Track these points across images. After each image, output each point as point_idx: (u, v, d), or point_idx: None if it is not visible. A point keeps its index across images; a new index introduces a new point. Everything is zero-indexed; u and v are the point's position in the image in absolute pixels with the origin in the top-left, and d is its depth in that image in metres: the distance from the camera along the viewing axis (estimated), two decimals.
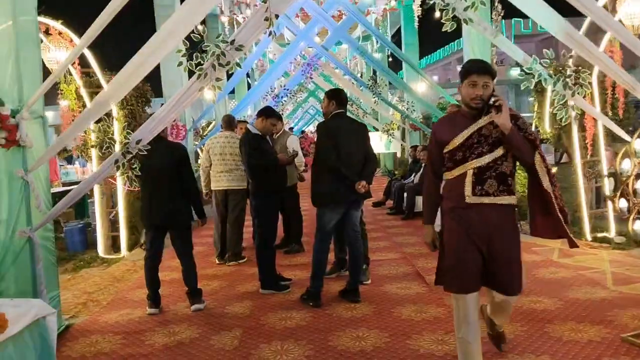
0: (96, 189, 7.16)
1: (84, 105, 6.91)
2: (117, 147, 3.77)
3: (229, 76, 13.19)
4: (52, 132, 10.16)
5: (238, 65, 3.81)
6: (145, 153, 3.74)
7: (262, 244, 4.96)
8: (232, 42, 3.59)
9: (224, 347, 3.76)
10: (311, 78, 9.01)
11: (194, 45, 3.63)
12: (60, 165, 15.61)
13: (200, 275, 5.72)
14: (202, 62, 3.61)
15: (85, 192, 3.94)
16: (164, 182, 4.40)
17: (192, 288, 4.65)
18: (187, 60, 3.59)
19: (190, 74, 3.66)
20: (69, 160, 13.77)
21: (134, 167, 3.75)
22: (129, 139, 3.73)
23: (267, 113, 4.99)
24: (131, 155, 3.72)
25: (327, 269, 4.88)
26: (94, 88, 7.10)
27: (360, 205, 4.68)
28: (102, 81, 6.90)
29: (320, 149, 4.43)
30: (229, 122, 6.32)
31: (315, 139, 4.58)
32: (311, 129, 32.16)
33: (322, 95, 18.26)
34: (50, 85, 3.69)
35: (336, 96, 4.57)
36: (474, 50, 8.19)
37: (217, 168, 6.19)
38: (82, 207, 9.45)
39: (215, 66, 3.61)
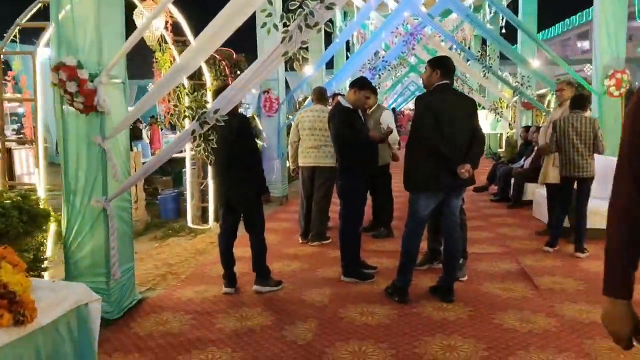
0: (188, 159, 7.13)
1: None
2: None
3: (326, 47, 12.79)
4: None
5: (328, 27, 3.32)
6: (223, 124, 3.42)
7: (346, 227, 4.54)
8: None
9: (295, 340, 3.42)
10: (414, 49, 8.30)
11: (284, 4, 3.23)
12: (165, 135, 16.37)
13: (280, 255, 5.50)
14: (287, 22, 3.19)
15: (162, 163, 3.74)
16: (225, 155, 4.10)
17: (256, 268, 4.38)
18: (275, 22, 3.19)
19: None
20: (173, 128, 14.27)
21: (210, 138, 3.46)
22: (206, 108, 3.43)
23: (361, 84, 4.48)
24: (208, 126, 3.42)
25: (417, 259, 4.36)
26: None
27: (462, 192, 4.09)
28: None
29: (418, 126, 3.86)
30: (321, 95, 5.90)
31: (414, 114, 3.99)
32: (410, 106, 30.96)
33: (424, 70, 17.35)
34: (130, 47, 3.46)
35: (441, 64, 3.95)
36: (607, 23, 7.06)
37: (306, 143, 5.83)
38: (179, 176, 9.65)
39: (302, 27, 3.16)
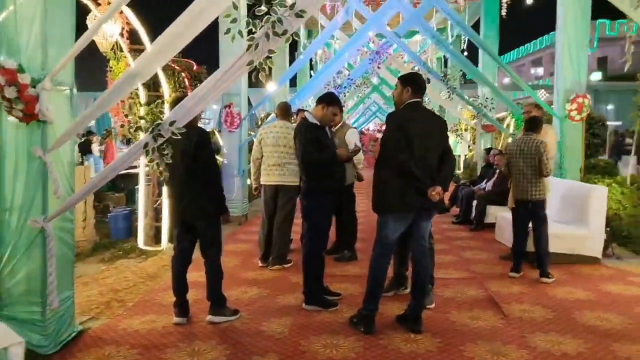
0: (142, 175, 6.72)
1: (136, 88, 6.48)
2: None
3: (290, 64, 12.66)
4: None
5: (296, 36, 3.10)
6: (179, 137, 3.12)
7: (310, 252, 4.27)
8: (292, 5, 2.90)
9: None
10: (379, 68, 8.22)
11: (249, 10, 2.99)
12: (119, 149, 15.71)
13: (238, 280, 5.17)
14: (254, 29, 2.95)
15: (108, 180, 3.39)
16: (182, 170, 3.80)
17: (211, 297, 4.05)
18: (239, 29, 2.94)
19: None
20: (129, 142, 13.73)
21: (165, 153, 3.15)
22: (161, 119, 3.12)
23: (329, 100, 4.27)
24: (163, 139, 3.12)
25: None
26: None
27: (432, 215, 3.90)
28: None
29: (388, 145, 3.67)
30: (285, 110, 5.66)
31: (383, 133, 3.80)
32: (371, 126, 31.14)
33: (387, 92, 17.38)
34: (78, 51, 3.13)
35: (412, 81, 3.79)
36: (569, 48, 7.18)
37: (269, 161, 5.56)
38: (132, 193, 9.16)
39: (269, 35, 2.93)
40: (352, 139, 5.67)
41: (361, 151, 4.89)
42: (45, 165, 3.22)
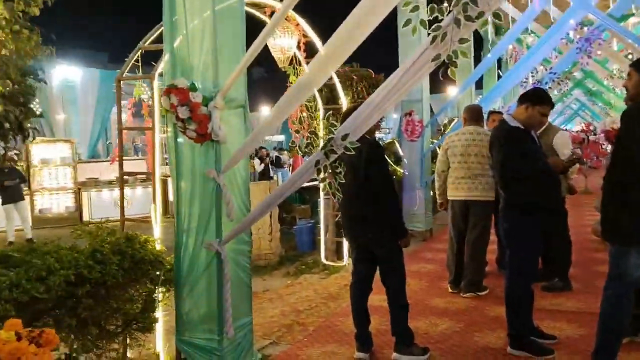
0: (322, 188, 6.56)
1: (315, 100, 6.37)
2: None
3: (475, 63, 11.63)
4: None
5: (498, 18, 2.43)
6: (353, 153, 2.69)
7: (514, 283, 3.48)
8: None
9: None
10: (590, 57, 6.87)
11: None
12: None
13: (425, 308, 4.57)
14: (439, 16, 2.39)
15: (280, 201, 3.11)
16: (353, 188, 3.35)
17: (396, 332, 3.50)
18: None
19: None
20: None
21: (338, 171, 2.74)
22: (333, 133, 2.73)
23: (537, 97, 3.44)
24: (336, 156, 2.72)
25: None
26: (327, 81, 6.51)
27: None
28: (333, 73, 6.24)
29: (632, 151, 2.74)
30: (475, 114, 4.89)
31: (620, 134, 2.84)
32: (571, 127, 27.65)
33: (592, 85, 15.05)
34: (248, 63, 2.91)
35: None
36: None
37: (457, 173, 4.86)
38: (316, 205, 9.23)
39: (459, 21, 2.33)
40: (562, 144, 4.66)
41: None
42: (219, 186, 3.07)
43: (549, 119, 4.53)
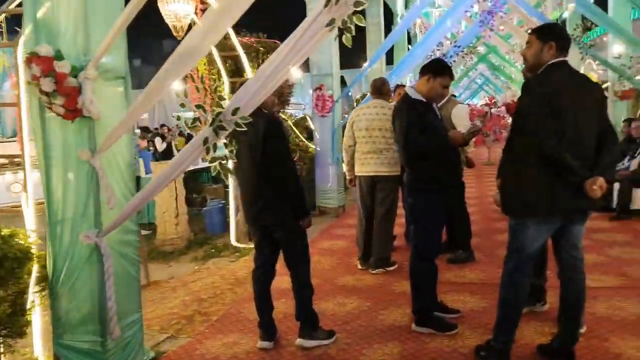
0: (212, 168, 6.26)
1: (218, 73, 5.98)
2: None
3: (385, 35, 11.65)
4: None
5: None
6: (245, 129, 2.44)
7: (419, 260, 3.44)
8: None
9: None
10: (492, 30, 7.01)
11: None
12: None
13: (334, 287, 4.47)
14: None
15: (165, 186, 2.80)
16: (250, 167, 3.13)
17: (300, 317, 3.35)
18: None
19: None
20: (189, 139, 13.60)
21: (230, 149, 2.49)
22: (222, 107, 2.45)
23: (437, 68, 3.35)
24: (226, 132, 2.45)
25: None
26: (228, 51, 6.13)
27: (588, 216, 2.89)
28: (237, 43, 5.88)
29: (529, 124, 2.70)
30: (380, 87, 4.78)
31: (520, 107, 2.80)
32: (475, 102, 28.89)
33: (495, 60, 15.69)
34: (124, 25, 2.52)
35: (556, 35, 2.76)
36: None
37: (363, 147, 4.76)
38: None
39: None
40: (460, 117, 4.68)
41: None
42: (95, 170, 2.70)
43: (456, 94, 4.53)
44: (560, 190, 2.64)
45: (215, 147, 2.46)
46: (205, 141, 2.47)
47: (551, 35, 2.75)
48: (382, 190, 4.74)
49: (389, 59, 15.24)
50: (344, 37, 2.27)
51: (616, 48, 8.95)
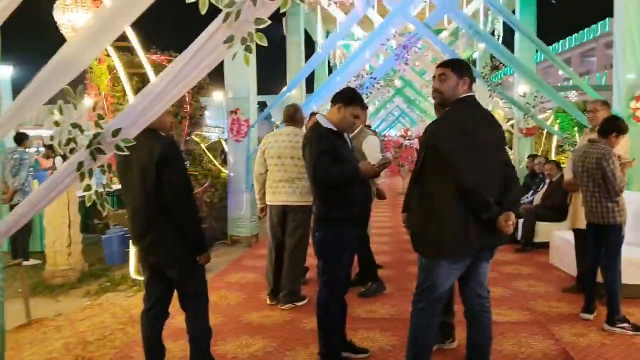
0: (86, 196, 5.78)
1: (123, 91, 5.57)
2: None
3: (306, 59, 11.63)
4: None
5: None
6: (127, 152, 2.13)
7: (326, 301, 3.22)
8: None
9: None
10: (406, 64, 7.15)
11: None
12: None
13: (240, 324, 4.15)
14: None
15: (32, 215, 2.41)
16: (140, 195, 2.80)
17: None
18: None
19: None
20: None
21: (105, 177, 2.16)
22: (102, 128, 2.14)
23: (348, 97, 3.22)
24: (103, 156, 2.13)
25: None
26: (137, 68, 5.75)
27: (494, 253, 2.83)
28: (144, 60, 5.51)
29: (443, 158, 2.59)
30: (292, 115, 4.61)
31: (428, 141, 2.70)
32: (393, 133, 29.83)
33: (411, 95, 16.25)
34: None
35: (468, 69, 2.73)
36: (632, 34, 6.03)
37: (274, 176, 4.54)
38: None
39: None
40: (371, 148, 4.60)
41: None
42: None
43: (374, 125, 4.47)
44: (473, 227, 2.56)
45: (91, 172, 2.13)
46: (80, 166, 2.14)
47: (466, 70, 2.72)
48: (294, 220, 4.53)
49: (310, 87, 15.35)
50: (243, 56, 2.06)
51: (521, 88, 9.49)
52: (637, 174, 5.99)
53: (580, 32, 30.97)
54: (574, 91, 18.35)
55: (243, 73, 7.34)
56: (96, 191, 2.18)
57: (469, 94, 2.69)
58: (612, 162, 3.82)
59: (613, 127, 4.00)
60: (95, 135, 2.11)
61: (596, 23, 29.02)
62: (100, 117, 2.12)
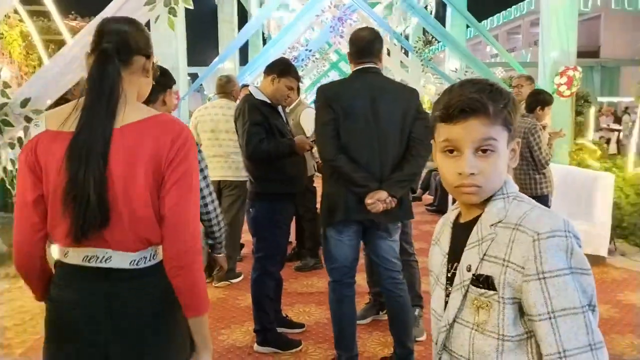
0: None
1: (39, 60, 5.15)
2: None
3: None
4: None
5: None
6: (38, 125, 1.95)
7: (261, 277, 3.16)
8: None
9: None
10: (342, 37, 7.07)
11: None
12: None
13: None
14: None
15: None
16: None
17: None
18: None
19: None
20: None
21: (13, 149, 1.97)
22: (9, 98, 1.93)
23: (281, 69, 3.10)
24: (15, 129, 1.94)
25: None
26: (53, 34, 5.33)
27: (394, 231, 2.79)
28: (62, 26, 5.11)
29: (316, 131, 2.70)
30: (224, 86, 4.43)
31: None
32: None
33: (346, 68, 16.32)
34: None
35: (351, 42, 2.72)
36: (557, 11, 6.27)
37: (209, 151, 4.36)
38: None
39: None
40: (308, 121, 4.53)
41: None
42: None
43: (308, 101, 4.38)
44: (349, 201, 2.58)
45: None
46: None
47: (350, 43, 2.78)
48: (229, 196, 4.41)
49: (245, 59, 14.97)
50: (167, 21, 1.91)
51: (452, 63, 9.72)
52: (558, 148, 6.33)
53: (508, 9, 31.98)
54: (500, 68, 19.06)
55: (171, 41, 6.99)
56: (4, 168, 1.98)
57: (360, 67, 2.65)
58: (537, 136, 3.97)
59: (537, 101, 4.16)
60: (1, 106, 1.91)
61: (523, 0, 30.04)
62: (5, 85, 1.92)
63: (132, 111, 1.33)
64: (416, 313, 3.44)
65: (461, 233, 1.12)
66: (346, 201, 2.59)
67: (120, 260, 1.31)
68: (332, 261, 2.74)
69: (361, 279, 2.97)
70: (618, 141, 13.09)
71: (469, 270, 1.06)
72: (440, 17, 10.69)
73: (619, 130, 13.51)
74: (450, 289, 1.12)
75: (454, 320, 1.09)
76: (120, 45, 1.35)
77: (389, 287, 2.82)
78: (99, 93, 1.30)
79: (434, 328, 1.18)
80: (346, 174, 2.54)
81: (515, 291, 1.00)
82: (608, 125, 14.20)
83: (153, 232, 1.32)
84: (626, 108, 16.96)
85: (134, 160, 1.28)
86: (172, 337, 1.41)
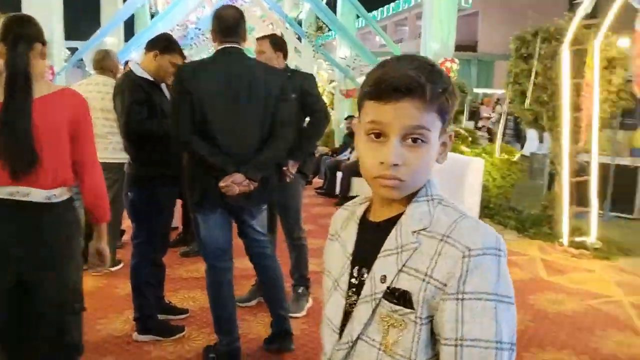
0: None
1: None
2: None
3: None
4: None
5: None
6: None
7: (140, 263, 3.03)
8: None
9: None
10: None
11: None
12: None
13: None
14: None
15: None
16: None
17: None
18: None
19: None
20: None
21: None
22: None
23: (164, 45, 2.96)
24: None
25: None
26: None
27: (256, 213, 2.77)
28: None
29: (171, 111, 2.62)
30: (100, 61, 4.13)
31: None
32: None
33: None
34: None
35: (220, 18, 2.59)
36: (439, 6, 6.66)
37: None
38: None
39: None
40: None
41: None
42: None
43: None
44: (210, 184, 2.54)
45: None
46: None
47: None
48: (107, 179, 4.12)
49: (131, 35, 14.09)
50: None
51: (342, 51, 9.93)
52: None
53: (397, 2, 33.29)
54: (388, 57, 19.81)
55: (44, 10, 6.39)
56: None
57: (222, 46, 2.58)
58: None
59: None
60: None
61: None
62: None
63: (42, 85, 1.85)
64: (300, 291, 3.53)
65: (372, 234, 0.96)
66: (205, 185, 2.54)
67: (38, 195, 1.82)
68: (203, 245, 2.71)
69: (247, 261, 2.96)
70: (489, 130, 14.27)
71: (383, 281, 0.90)
72: (332, 5, 10.85)
73: (489, 118, 14.74)
74: (353, 298, 0.96)
75: (358, 338, 0.93)
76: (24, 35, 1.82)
77: (260, 261, 2.85)
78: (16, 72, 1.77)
79: (327, 341, 1.00)
80: (202, 157, 2.48)
81: (432, 309, 0.87)
82: (489, 115, 15.44)
83: (68, 175, 1.90)
84: (498, 99, 18.52)
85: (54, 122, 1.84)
86: (75, 254, 2.00)
